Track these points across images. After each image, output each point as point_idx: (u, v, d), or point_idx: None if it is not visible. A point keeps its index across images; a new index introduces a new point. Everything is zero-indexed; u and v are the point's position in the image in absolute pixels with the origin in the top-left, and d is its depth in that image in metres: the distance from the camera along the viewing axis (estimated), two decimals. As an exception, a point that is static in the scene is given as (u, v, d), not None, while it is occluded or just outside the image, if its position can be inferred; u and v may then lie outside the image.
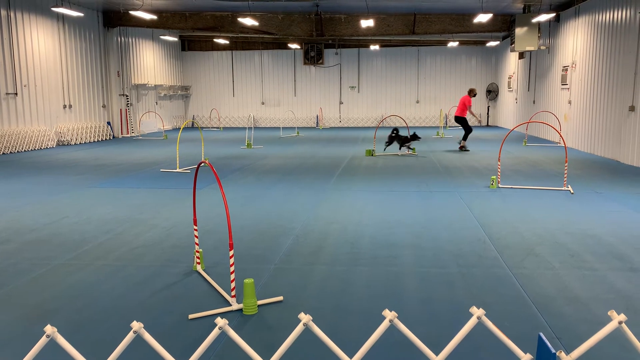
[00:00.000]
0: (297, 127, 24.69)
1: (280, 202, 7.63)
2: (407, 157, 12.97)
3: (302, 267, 4.78)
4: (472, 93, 14.88)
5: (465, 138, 14.65)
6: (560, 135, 10.02)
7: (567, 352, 3.02)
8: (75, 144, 17.11)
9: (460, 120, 14.69)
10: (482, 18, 16.74)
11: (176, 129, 24.49)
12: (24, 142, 14.97)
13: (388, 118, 25.74)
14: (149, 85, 22.51)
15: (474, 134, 20.44)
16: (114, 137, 19.75)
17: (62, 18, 16.85)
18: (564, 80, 15.95)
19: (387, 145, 13.91)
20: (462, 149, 14.59)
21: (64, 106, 17.07)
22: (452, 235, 5.80)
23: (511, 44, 17.65)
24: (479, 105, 25.97)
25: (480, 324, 2.37)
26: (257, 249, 5.35)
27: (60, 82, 16.86)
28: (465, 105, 14.66)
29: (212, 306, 3.91)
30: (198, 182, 9.23)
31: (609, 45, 12.73)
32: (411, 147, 13.53)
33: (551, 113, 16.84)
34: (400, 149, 13.70)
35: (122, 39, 20.29)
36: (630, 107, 11.46)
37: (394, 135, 13.55)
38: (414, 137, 13.25)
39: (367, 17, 17.86)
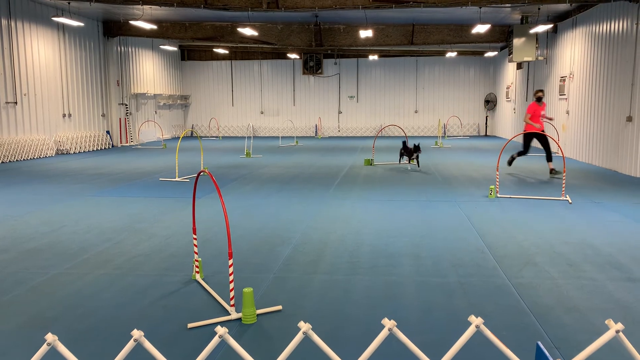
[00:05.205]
0: (296, 137, 24.73)
1: (279, 211, 7.64)
2: (406, 167, 12.99)
3: (301, 277, 4.78)
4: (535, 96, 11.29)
5: (549, 158, 11.04)
6: (559, 145, 10.06)
7: (566, 362, 3.03)
8: (74, 153, 17.12)
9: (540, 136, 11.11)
10: (480, 29, 16.85)
11: (175, 138, 24.53)
12: (23, 151, 14.98)
13: (387, 128, 25.81)
14: (149, 95, 22.56)
15: (474, 143, 20.51)
16: (113, 146, 19.77)
17: (62, 28, 16.93)
18: (561, 91, 16.03)
19: (401, 158, 13.44)
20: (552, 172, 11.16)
21: (64, 115, 17.11)
22: (451, 244, 5.81)
23: (509, 55, 17.76)
24: (477, 115, 26.06)
25: (478, 333, 2.37)
26: (256, 258, 5.35)
27: (60, 91, 16.91)
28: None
29: (211, 315, 3.91)
30: (197, 191, 9.24)
31: (607, 56, 12.81)
32: (414, 159, 12.97)
33: (549, 123, 16.89)
34: (408, 162, 13.31)
35: (122, 48, 20.37)
36: (628, 118, 11.52)
37: (404, 148, 13.12)
38: (417, 149, 12.75)
39: (366, 28, 17.97)
